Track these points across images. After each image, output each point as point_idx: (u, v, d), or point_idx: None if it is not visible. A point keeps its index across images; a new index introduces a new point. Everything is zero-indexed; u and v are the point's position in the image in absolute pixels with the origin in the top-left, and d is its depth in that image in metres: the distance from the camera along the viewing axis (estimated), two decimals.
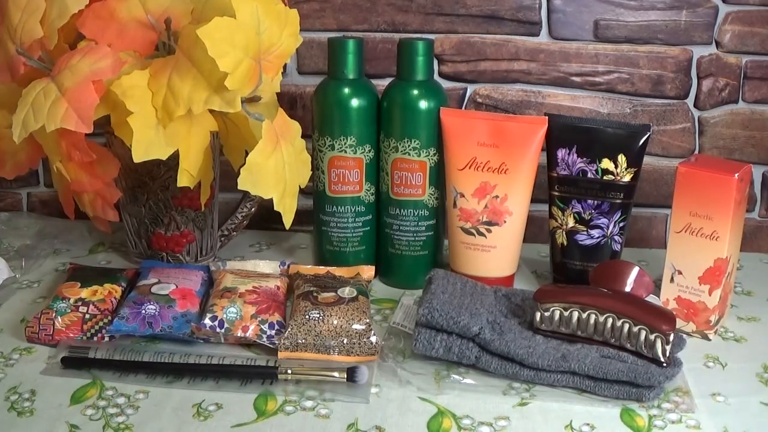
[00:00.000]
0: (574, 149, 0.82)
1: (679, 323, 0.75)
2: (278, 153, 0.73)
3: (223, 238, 0.93)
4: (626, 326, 0.68)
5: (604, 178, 0.82)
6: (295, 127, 0.77)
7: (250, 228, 0.96)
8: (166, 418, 0.63)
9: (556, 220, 0.85)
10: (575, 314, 0.69)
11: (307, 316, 0.72)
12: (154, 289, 0.76)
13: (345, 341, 0.71)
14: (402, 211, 0.85)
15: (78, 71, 0.68)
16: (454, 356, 0.69)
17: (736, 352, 0.75)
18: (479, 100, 0.98)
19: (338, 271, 0.82)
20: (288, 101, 0.99)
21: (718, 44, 0.94)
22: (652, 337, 0.67)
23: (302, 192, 0.79)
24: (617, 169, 0.81)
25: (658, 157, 0.98)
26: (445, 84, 0.96)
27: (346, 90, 0.83)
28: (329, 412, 0.64)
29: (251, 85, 0.71)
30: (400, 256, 0.86)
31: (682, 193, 0.75)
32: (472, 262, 0.84)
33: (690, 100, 0.96)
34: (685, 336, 0.72)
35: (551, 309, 0.70)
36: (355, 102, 0.83)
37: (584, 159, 0.82)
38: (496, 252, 0.84)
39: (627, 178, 0.81)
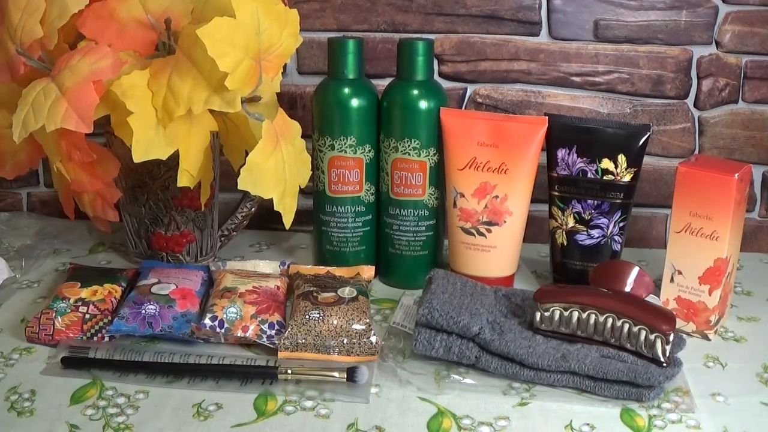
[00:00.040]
0: (574, 149, 0.82)
1: (679, 323, 0.75)
2: (278, 153, 0.73)
3: (223, 238, 0.93)
4: (626, 326, 0.68)
5: (604, 178, 0.82)
6: (295, 127, 0.77)
7: (250, 228, 0.96)
8: (166, 418, 0.63)
9: (556, 220, 0.85)
10: (575, 314, 0.69)
11: (307, 316, 0.72)
12: (154, 289, 0.77)
13: (345, 341, 0.71)
14: (402, 211, 0.85)
15: (78, 71, 0.68)
16: (454, 356, 0.69)
17: (736, 352, 0.75)
18: (479, 100, 0.98)
19: (338, 271, 0.82)
20: (288, 101, 0.99)
21: (718, 44, 0.94)
22: (652, 337, 0.67)
23: (302, 192, 0.79)
24: (617, 169, 0.81)
25: (658, 157, 0.98)
26: (445, 84, 0.96)
27: (346, 90, 0.83)
28: (329, 412, 0.64)
29: (251, 85, 0.71)
30: (400, 256, 0.86)
31: (682, 193, 0.75)
32: (472, 262, 0.84)
33: (690, 100, 0.96)
34: (685, 336, 0.72)
35: (551, 309, 0.70)
36: (355, 102, 0.83)
37: (584, 159, 0.82)
38: (496, 252, 0.84)
39: (627, 178, 0.81)
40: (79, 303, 0.74)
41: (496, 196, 0.82)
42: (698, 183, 0.74)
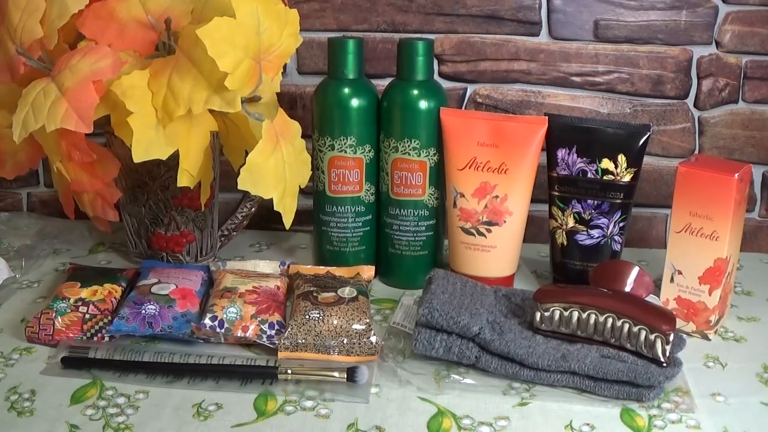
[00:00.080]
0: (574, 149, 0.82)
1: (679, 323, 0.75)
2: (278, 153, 0.73)
3: (223, 238, 0.93)
4: (626, 326, 0.68)
5: (604, 178, 0.82)
6: (295, 127, 0.77)
7: (250, 228, 0.96)
8: (166, 418, 0.63)
9: (556, 220, 0.85)
10: (575, 314, 0.69)
11: (307, 316, 0.72)
12: (154, 289, 0.77)
13: (345, 341, 0.71)
14: (402, 211, 0.85)
15: (78, 71, 0.68)
16: (454, 356, 0.69)
17: (736, 352, 0.74)
18: (479, 100, 0.98)
19: (338, 271, 0.82)
20: (288, 101, 0.99)
21: (718, 44, 0.94)
22: (652, 337, 0.67)
23: (302, 192, 0.79)
24: (617, 169, 0.81)
25: (658, 157, 0.98)
26: (445, 84, 0.96)
27: (346, 90, 0.83)
28: (329, 412, 0.64)
29: (251, 85, 0.71)
30: (400, 256, 0.86)
31: (682, 193, 0.75)
32: (472, 262, 0.84)
33: (690, 100, 0.96)
34: (685, 336, 0.72)
35: (551, 309, 0.70)
36: (355, 102, 0.83)
37: (584, 159, 0.82)
38: (496, 252, 0.84)
39: (627, 178, 0.81)
40: (79, 303, 0.74)
41: (496, 196, 0.82)
42: (698, 183, 0.74)
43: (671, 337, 0.66)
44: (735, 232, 0.75)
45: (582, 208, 0.83)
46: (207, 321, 0.72)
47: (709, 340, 0.76)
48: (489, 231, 0.83)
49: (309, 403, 0.65)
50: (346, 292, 0.76)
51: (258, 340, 0.72)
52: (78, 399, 0.65)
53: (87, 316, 0.73)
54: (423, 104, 0.82)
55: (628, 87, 0.96)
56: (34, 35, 0.70)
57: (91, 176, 0.78)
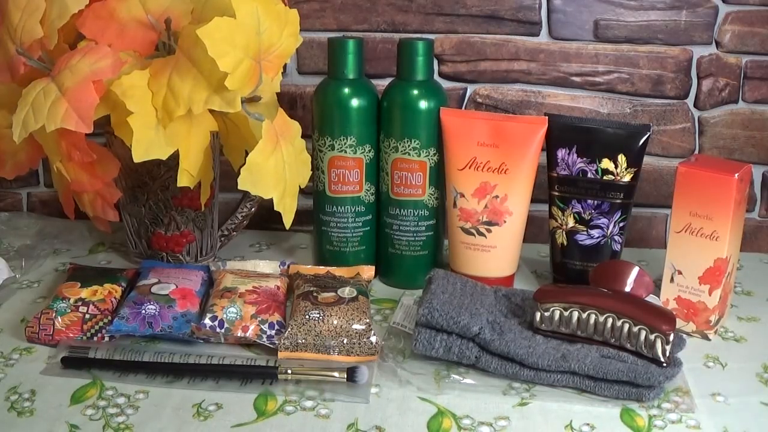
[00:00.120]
0: (574, 149, 0.82)
1: (679, 323, 0.75)
2: (278, 153, 0.73)
3: (223, 238, 0.93)
4: (626, 326, 0.68)
5: (604, 178, 0.82)
6: (295, 127, 0.77)
7: (250, 228, 0.96)
8: (166, 418, 0.63)
9: (556, 220, 0.85)
10: (575, 314, 0.69)
11: (307, 316, 0.72)
12: (154, 289, 0.77)
13: (345, 341, 0.71)
14: (402, 211, 0.85)
15: (78, 71, 0.68)
16: (454, 356, 0.69)
17: (736, 352, 0.74)
18: (479, 100, 0.98)
19: (338, 271, 0.82)
20: (288, 101, 0.99)
21: (718, 44, 0.94)
22: (652, 337, 0.67)
23: (302, 192, 0.79)
24: (617, 169, 0.81)
25: (658, 157, 0.98)
26: (445, 84, 0.96)
27: (346, 90, 0.83)
28: (329, 412, 0.64)
29: (251, 85, 0.71)
30: (400, 256, 0.86)
31: (682, 193, 0.75)
32: (472, 262, 0.84)
33: (690, 100, 0.96)
34: (685, 336, 0.72)
35: (551, 309, 0.70)
36: (355, 102, 0.83)
37: (584, 159, 0.82)
38: (496, 252, 0.84)
39: (627, 178, 0.81)
40: (79, 303, 0.74)
41: (496, 196, 0.82)
42: (698, 183, 0.74)
43: (671, 337, 0.66)
44: (735, 232, 0.75)
45: (582, 208, 0.83)
46: (207, 321, 0.72)
47: (709, 340, 0.76)
48: (489, 231, 0.83)
49: (309, 403, 0.65)
50: (346, 292, 0.76)
51: (258, 340, 0.72)
52: (78, 399, 0.65)
53: (87, 316, 0.73)
54: (423, 104, 0.82)
55: (628, 87, 0.96)
56: (34, 35, 0.70)
57: (91, 176, 0.78)
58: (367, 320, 0.72)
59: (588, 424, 0.63)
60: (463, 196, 0.83)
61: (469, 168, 0.82)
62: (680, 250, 0.76)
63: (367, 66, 0.88)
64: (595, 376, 0.66)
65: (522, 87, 0.97)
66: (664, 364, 0.66)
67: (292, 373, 0.67)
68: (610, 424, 0.63)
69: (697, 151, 0.98)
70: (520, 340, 0.69)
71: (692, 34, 0.94)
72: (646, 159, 0.85)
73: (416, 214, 0.84)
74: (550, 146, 0.83)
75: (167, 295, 0.76)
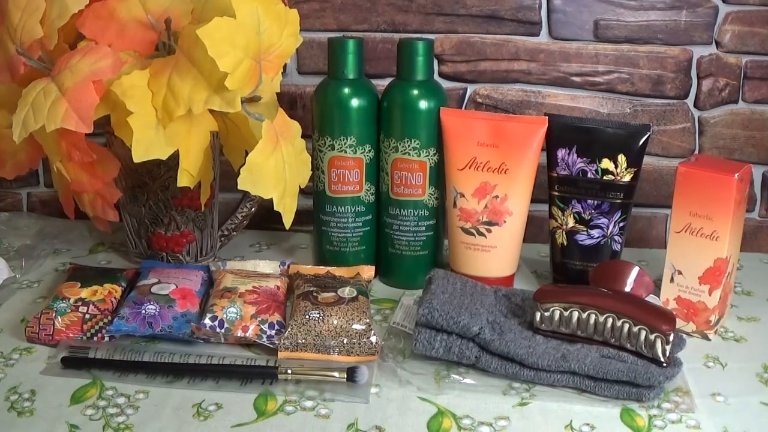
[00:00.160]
0: (574, 149, 0.82)
1: (679, 323, 0.75)
2: (278, 153, 0.73)
3: (223, 238, 0.93)
4: (626, 326, 0.68)
5: (604, 178, 0.82)
6: (295, 127, 0.77)
7: (250, 228, 0.96)
8: (166, 418, 0.63)
9: (556, 220, 0.85)
10: (575, 314, 0.69)
11: (307, 316, 0.72)
12: (154, 289, 0.77)
13: (345, 341, 0.71)
14: (402, 211, 0.85)
15: (78, 71, 0.68)
16: (454, 356, 0.69)
17: (736, 352, 0.75)
18: (479, 100, 0.98)
19: (338, 271, 0.82)
20: (288, 101, 0.99)
21: (718, 44, 0.94)
22: (652, 337, 0.67)
23: (302, 192, 0.79)
24: (617, 169, 0.81)
25: (658, 157, 0.98)
26: (445, 84, 0.96)
27: (346, 90, 0.83)
28: (329, 412, 0.64)
29: (251, 85, 0.71)
30: (400, 256, 0.86)
31: (682, 193, 0.75)
32: (472, 262, 0.84)
33: (690, 100, 0.96)
34: (685, 336, 0.72)
35: (551, 309, 0.70)
36: (355, 102, 0.83)
37: (584, 159, 0.82)
38: (496, 252, 0.84)
39: (627, 178, 0.81)
40: (79, 303, 0.74)
41: (496, 196, 0.82)
42: (698, 183, 0.74)
43: (671, 337, 0.66)
44: (735, 232, 0.75)
45: (582, 208, 0.83)
46: (207, 321, 0.72)
47: (709, 340, 0.76)
48: (489, 231, 0.83)
49: (309, 403, 0.65)
50: (346, 292, 0.76)
51: (258, 340, 0.72)
52: (78, 399, 0.65)
53: (87, 316, 0.73)
54: (423, 104, 0.82)
55: (628, 87, 0.96)
56: (34, 35, 0.70)
57: (91, 176, 0.78)
58: (367, 320, 0.72)
59: (588, 424, 0.63)
60: (463, 196, 0.83)
61: (469, 168, 0.82)
62: (680, 250, 0.76)
63: (367, 66, 0.88)
64: (595, 376, 0.66)
65: (522, 87, 0.97)
66: (664, 364, 0.66)
67: (292, 373, 0.67)
68: (610, 424, 0.63)
69: (697, 151, 0.98)
70: (520, 340, 0.69)
71: (692, 34, 0.94)
72: (646, 159, 0.85)
73: (416, 214, 0.84)
74: (550, 146, 0.83)
75: (167, 295, 0.76)
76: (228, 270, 0.82)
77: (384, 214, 0.86)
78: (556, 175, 0.84)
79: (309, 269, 0.83)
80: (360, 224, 0.86)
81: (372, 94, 0.84)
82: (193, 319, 0.74)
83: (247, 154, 0.71)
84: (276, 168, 0.72)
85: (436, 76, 0.94)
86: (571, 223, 0.84)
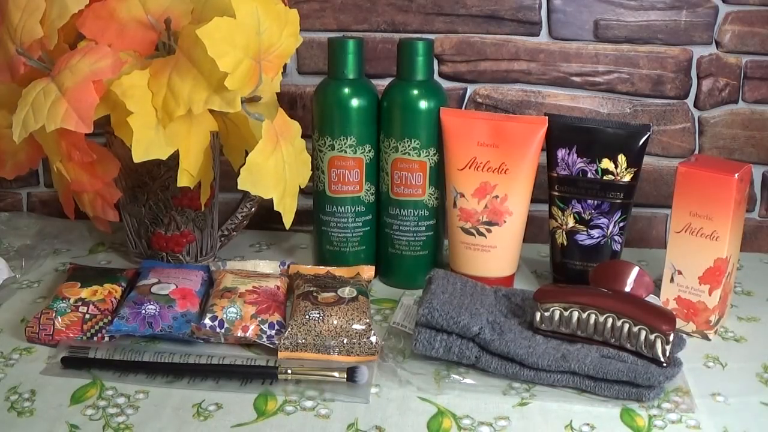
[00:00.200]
0: (574, 149, 0.82)
1: (679, 323, 0.75)
2: (278, 153, 0.73)
3: (223, 238, 0.93)
4: (626, 326, 0.68)
5: (604, 178, 0.82)
6: (295, 127, 0.77)
7: (250, 228, 0.96)
8: (166, 418, 0.63)
9: (556, 220, 0.85)
10: (575, 314, 0.69)
11: (307, 316, 0.72)
12: (154, 289, 0.77)
13: (345, 341, 0.71)
14: (402, 211, 0.85)
15: (78, 71, 0.68)
16: (454, 356, 0.69)
17: (736, 352, 0.74)
18: (479, 100, 0.98)
19: (338, 271, 0.82)
20: (288, 101, 0.99)
21: (718, 44, 0.94)
22: (652, 337, 0.67)
23: (302, 192, 0.79)
24: (617, 169, 0.81)
25: (658, 157, 0.98)
26: (445, 84, 0.96)
27: (346, 90, 0.83)
28: (329, 412, 0.64)
29: (251, 85, 0.71)
30: (400, 256, 0.86)
31: (682, 193, 0.75)
32: (472, 262, 0.84)
33: (690, 100, 0.96)
34: (685, 336, 0.72)
35: (551, 309, 0.70)
36: (355, 102, 0.83)
37: (584, 159, 0.82)
38: (496, 252, 0.84)
39: (627, 178, 0.81)
40: (79, 303, 0.74)
41: (496, 196, 0.82)
42: (698, 183, 0.74)
43: (671, 337, 0.66)
44: (735, 232, 0.75)
45: (582, 208, 0.83)
46: (207, 321, 0.72)
47: (709, 340, 0.76)
48: (489, 231, 0.83)
49: (309, 403, 0.65)
50: (346, 292, 0.76)
51: (258, 340, 0.72)
52: (78, 399, 0.65)
53: (87, 316, 0.73)
54: (423, 104, 0.82)
55: (628, 87, 0.96)
56: (34, 35, 0.70)
57: (91, 176, 0.78)
58: (367, 320, 0.72)
59: (588, 424, 0.63)
60: (463, 196, 0.83)
61: (469, 168, 0.82)
62: (680, 250, 0.76)
63: (367, 66, 0.88)
64: (595, 376, 0.66)
65: (522, 87, 0.97)
66: (664, 364, 0.66)
67: (292, 373, 0.67)
68: (610, 424, 0.63)
69: (697, 151, 0.98)
70: (520, 340, 0.69)
71: (692, 34, 0.94)
72: (646, 159, 0.85)
73: (416, 214, 0.84)
74: (550, 146, 0.83)
75: (167, 295, 0.76)
76: (228, 270, 0.82)
77: (384, 214, 0.86)
78: (556, 175, 0.84)
79: (309, 269, 0.83)
80: (360, 224, 0.86)
81: (372, 94, 0.84)
82: (193, 319, 0.74)
83: (247, 154, 0.71)
84: (276, 168, 0.72)
85: (436, 76, 0.94)
86: (571, 223, 0.84)
